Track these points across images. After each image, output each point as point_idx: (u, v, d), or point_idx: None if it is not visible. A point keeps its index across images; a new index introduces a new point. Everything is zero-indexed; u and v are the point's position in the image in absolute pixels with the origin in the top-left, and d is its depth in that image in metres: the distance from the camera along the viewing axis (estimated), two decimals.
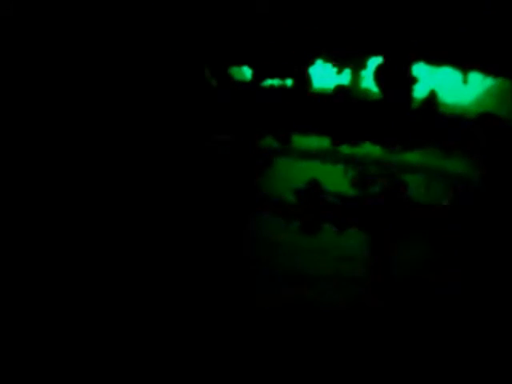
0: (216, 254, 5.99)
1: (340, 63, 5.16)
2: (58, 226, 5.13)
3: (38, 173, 5.06)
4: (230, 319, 4.67)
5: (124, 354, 4.08)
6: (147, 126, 5.10)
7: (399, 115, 4.57)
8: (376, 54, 4.64)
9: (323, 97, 4.73)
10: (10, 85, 4.93)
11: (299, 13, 4.72)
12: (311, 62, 4.79)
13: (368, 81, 6.11)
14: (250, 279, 5.54)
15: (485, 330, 4.78)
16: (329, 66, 5.35)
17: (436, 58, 4.64)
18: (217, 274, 5.53)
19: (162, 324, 4.49)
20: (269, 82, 4.92)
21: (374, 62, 5.08)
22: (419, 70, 4.89)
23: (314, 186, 5.16)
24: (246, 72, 5.45)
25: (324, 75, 6.00)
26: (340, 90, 4.65)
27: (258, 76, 4.87)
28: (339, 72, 5.46)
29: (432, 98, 4.67)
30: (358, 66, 5.42)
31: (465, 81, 5.42)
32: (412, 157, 6.64)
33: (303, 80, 4.81)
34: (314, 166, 6.80)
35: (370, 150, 5.93)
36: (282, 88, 4.86)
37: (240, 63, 4.92)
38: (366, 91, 6.00)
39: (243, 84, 4.92)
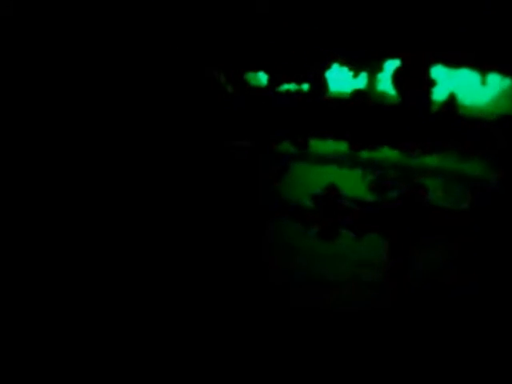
0: (234, 260, 5.96)
1: (357, 67, 5.11)
2: (63, 225, 5.11)
3: (42, 173, 5.04)
4: (247, 324, 4.64)
5: (131, 355, 4.06)
6: (163, 133, 5.08)
7: (419, 119, 4.51)
8: (394, 56, 4.59)
9: (340, 101, 4.69)
10: (9, 85, 4.91)
11: (315, 17, 4.67)
12: (328, 66, 4.74)
13: (384, 84, 6.07)
14: (267, 285, 5.51)
15: (505, 336, 4.72)
16: (344, 69, 5.30)
17: (456, 60, 4.57)
18: (235, 280, 5.50)
19: (177, 328, 4.46)
20: (285, 86, 4.88)
21: (391, 64, 5.03)
22: (436, 71, 4.84)
23: (332, 191, 5.11)
24: (262, 77, 5.42)
25: (339, 78, 5.95)
26: (358, 94, 4.60)
27: (274, 81, 4.84)
28: (355, 75, 5.40)
29: (452, 100, 4.60)
30: (374, 69, 5.37)
31: (483, 82, 5.36)
32: (430, 160, 6.58)
33: (320, 84, 4.77)
34: (331, 170, 6.76)
35: (388, 154, 5.87)
36: (299, 93, 4.82)
37: (256, 69, 4.88)
38: (383, 94, 5.95)
39: (259, 89, 4.89)
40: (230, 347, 4.31)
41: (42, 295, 4.71)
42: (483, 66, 4.85)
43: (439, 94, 4.98)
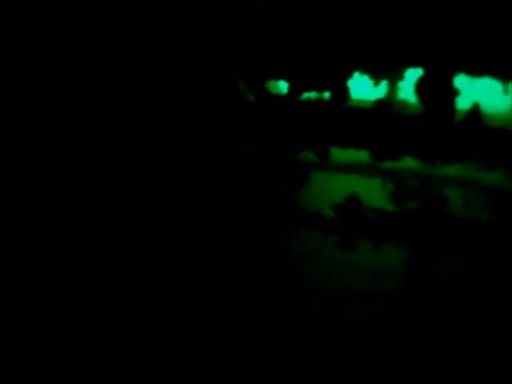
0: (253, 268, 5.94)
1: (378, 75, 5.08)
2: (63, 225, 5.10)
3: (42, 172, 5.04)
4: (265, 332, 4.63)
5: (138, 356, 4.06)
6: (183, 139, 5.08)
7: (442, 128, 4.47)
8: (417, 65, 4.56)
9: (362, 110, 4.66)
10: (9, 84, 4.92)
11: (336, 25, 4.65)
12: (349, 75, 4.72)
13: (405, 92, 6.03)
14: (285, 293, 5.49)
15: None
16: (364, 77, 5.27)
17: (478, 69, 4.53)
18: (253, 287, 5.48)
19: (189, 332, 4.45)
20: (306, 95, 4.86)
21: (411, 72, 5.00)
22: (457, 80, 4.80)
23: (353, 200, 5.09)
24: (282, 86, 5.40)
25: (359, 86, 5.91)
26: (380, 103, 4.57)
27: (295, 89, 4.82)
28: (376, 84, 5.37)
29: (475, 110, 4.56)
30: (395, 77, 5.34)
31: (506, 91, 5.31)
32: (450, 170, 6.53)
33: (341, 93, 4.74)
34: (350, 179, 6.73)
35: (408, 163, 5.83)
36: (320, 101, 4.80)
37: (276, 77, 4.87)
38: (403, 103, 5.92)
39: (280, 98, 4.87)
40: (246, 355, 4.29)
41: (41, 295, 4.71)
42: (506, 75, 4.81)
43: (460, 103, 4.94)
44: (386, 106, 4.58)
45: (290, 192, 5.92)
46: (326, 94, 4.83)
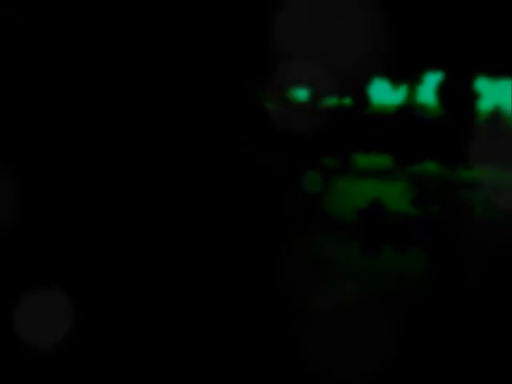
0: (274, 273, 5.95)
1: (398, 79, 5.07)
2: (63, 225, 5.11)
3: (42, 172, 5.06)
4: (282, 337, 4.63)
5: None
6: (199, 146, 5.11)
7: (463, 132, 4.47)
8: (437, 68, 4.56)
9: (383, 115, 4.66)
10: (9, 84, 4.95)
11: (355, 31, 4.67)
12: (370, 80, 4.72)
13: (425, 96, 6.02)
14: (307, 299, 5.49)
15: None
16: (384, 82, 5.27)
17: (500, 71, 4.52)
18: (273, 294, 5.48)
19: (201, 335, 4.46)
20: (326, 101, 4.87)
21: (432, 76, 4.99)
22: (478, 83, 4.79)
23: (377, 206, 5.08)
24: (301, 93, 5.42)
25: (379, 90, 5.91)
26: (401, 108, 4.57)
27: (315, 96, 4.83)
28: (395, 88, 5.37)
29: (497, 112, 4.55)
30: (415, 81, 5.33)
31: None
32: (472, 173, 6.49)
33: (361, 99, 4.75)
34: (372, 184, 6.71)
35: (430, 167, 5.82)
36: (340, 107, 4.81)
37: (297, 84, 4.89)
38: (424, 107, 5.90)
39: (300, 105, 4.89)
40: (260, 359, 4.29)
41: (42, 295, 4.73)
42: None
43: (482, 106, 4.93)
44: (406, 110, 4.58)
45: (312, 199, 5.92)
46: (346, 100, 4.84)
